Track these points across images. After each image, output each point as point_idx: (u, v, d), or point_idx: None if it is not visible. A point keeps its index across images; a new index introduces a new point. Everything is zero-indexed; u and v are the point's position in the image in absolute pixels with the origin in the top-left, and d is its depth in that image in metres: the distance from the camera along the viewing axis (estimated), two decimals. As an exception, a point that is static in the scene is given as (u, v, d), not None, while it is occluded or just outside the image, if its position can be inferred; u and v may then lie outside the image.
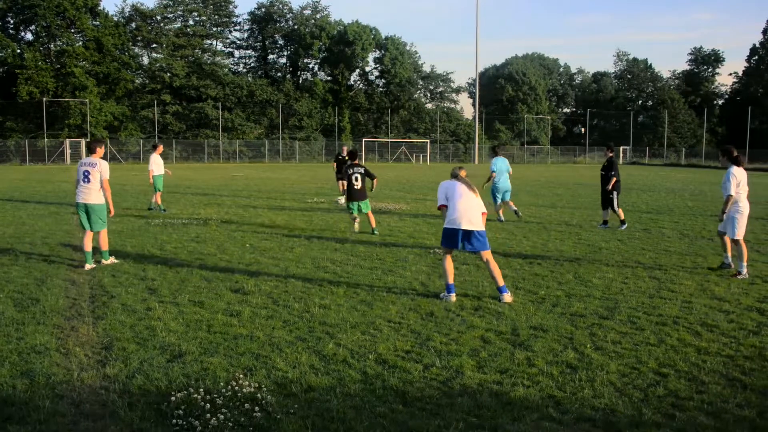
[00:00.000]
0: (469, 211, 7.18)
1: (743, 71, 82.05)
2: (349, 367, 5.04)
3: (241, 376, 4.74)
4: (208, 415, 4.04)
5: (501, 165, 14.88)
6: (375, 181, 13.18)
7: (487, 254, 7.30)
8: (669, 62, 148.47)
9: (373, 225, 12.63)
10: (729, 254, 9.12)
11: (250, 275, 8.50)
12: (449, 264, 7.36)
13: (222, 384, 4.58)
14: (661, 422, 4.10)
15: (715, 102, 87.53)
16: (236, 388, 4.46)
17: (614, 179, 13.78)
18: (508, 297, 7.19)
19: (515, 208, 15.18)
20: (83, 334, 5.86)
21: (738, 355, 5.44)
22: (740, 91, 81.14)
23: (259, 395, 4.37)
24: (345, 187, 13.23)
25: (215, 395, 4.34)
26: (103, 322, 6.20)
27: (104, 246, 9.21)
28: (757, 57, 79.34)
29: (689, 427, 4.05)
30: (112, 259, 9.25)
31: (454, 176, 7.44)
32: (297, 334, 5.90)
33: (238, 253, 10.22)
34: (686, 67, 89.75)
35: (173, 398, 4.27)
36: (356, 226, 12.67)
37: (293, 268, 9.06)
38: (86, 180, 9.03)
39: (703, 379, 4.85)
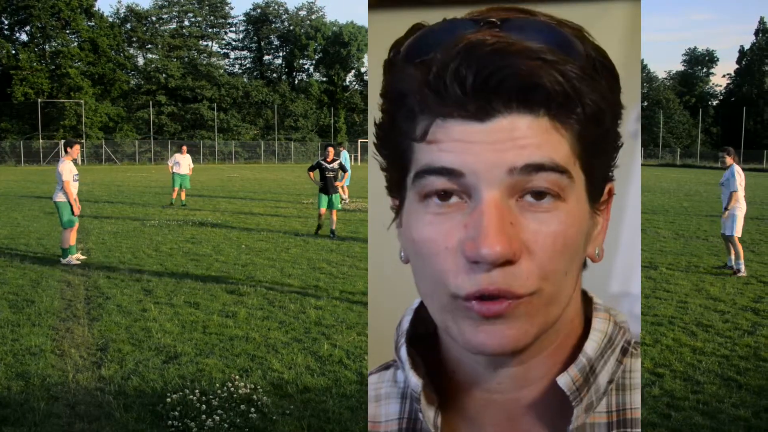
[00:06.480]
0: None
1: (735, 71, 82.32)
2: (345, 368, 5.04)
3: (237, 377, 4.74)
4: (204, 416, 4.04)
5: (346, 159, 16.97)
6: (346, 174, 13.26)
7: None
8: (664, 62, 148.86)
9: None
10: (733, 256, 9.04)
11: (245, 276, 8.49)
12: None
13: (218, 385, 4.57)
14: (656, 422, 4.11)
15: (709, 102, 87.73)
16: (232, 389, 4.45)
17: None
18: None
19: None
20: (78, 335, 5.85)
21: (733, 354, 5.46)
22: (734, 91, 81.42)
23: (254, 396, 4.37)
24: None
25: (211, 396, 4.34)
26: (99, 324, 6.18)
27: (62, 243, 9.48)
28: (749, 58, 79.57)
29: (685, 427, 4.06)
30: (69, 259, 9.33)
31: None
32: (293, 335, 5.89)
33: (233, 254, 10.21)
34: (681, 67, 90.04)
35: (169, 399, 4.26)
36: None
37: (289, 268, 9.06)
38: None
39: (699, 379, 4.86)
